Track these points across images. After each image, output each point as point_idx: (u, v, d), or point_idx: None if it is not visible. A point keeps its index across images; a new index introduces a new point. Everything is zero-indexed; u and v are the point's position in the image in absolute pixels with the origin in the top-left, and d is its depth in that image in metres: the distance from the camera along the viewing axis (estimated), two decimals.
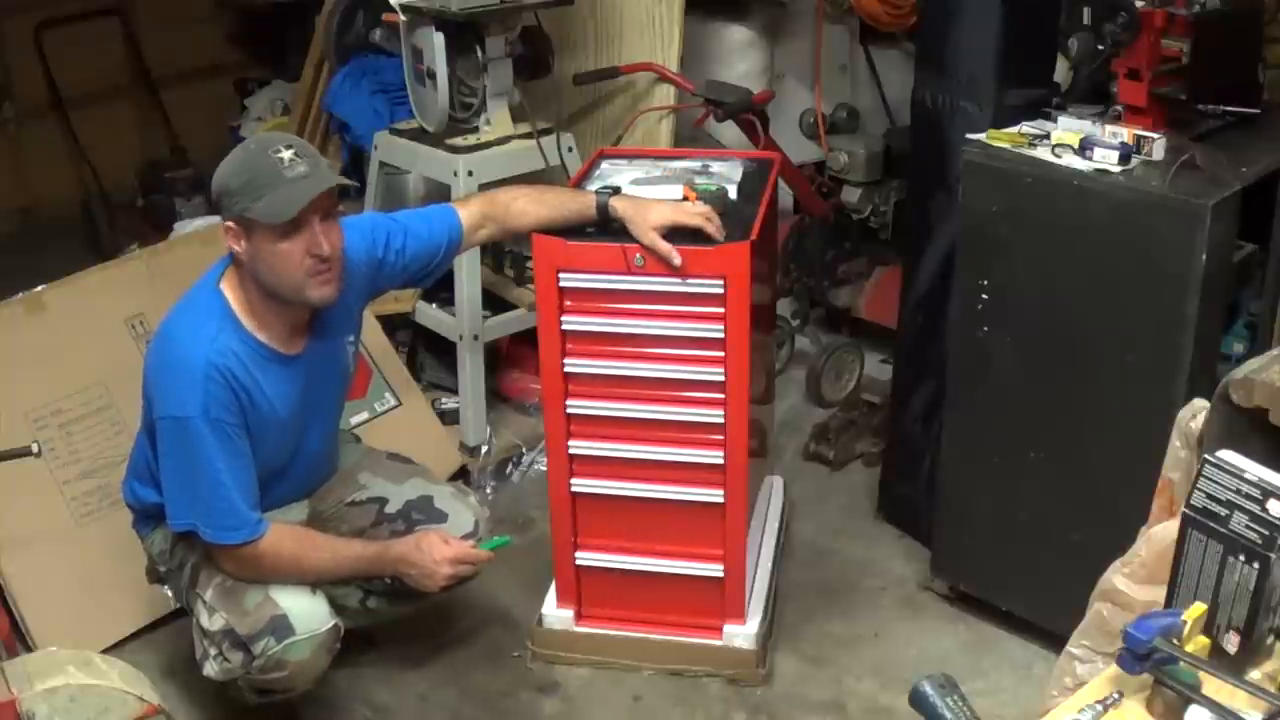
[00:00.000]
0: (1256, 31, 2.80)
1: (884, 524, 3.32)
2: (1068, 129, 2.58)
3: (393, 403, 3.47)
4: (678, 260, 2.48)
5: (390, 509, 2.66)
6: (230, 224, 2.31)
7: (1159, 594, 1.60)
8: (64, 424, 3.04)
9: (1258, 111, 2.70)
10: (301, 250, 2.27)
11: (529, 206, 2.61)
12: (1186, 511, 1.53)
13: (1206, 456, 1.52)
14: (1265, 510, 1.45)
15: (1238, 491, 1.48)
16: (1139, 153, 2.50)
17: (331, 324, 2.50)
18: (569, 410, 2.66)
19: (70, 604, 2.89)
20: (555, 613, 2.84)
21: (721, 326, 2.53)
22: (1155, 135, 2.51)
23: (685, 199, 2.62)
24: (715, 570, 2.72)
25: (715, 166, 2.90)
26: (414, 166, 3.64)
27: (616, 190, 2.63)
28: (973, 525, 2.87)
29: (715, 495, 2.66)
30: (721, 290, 2.50)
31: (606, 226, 2.56)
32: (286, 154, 2.26)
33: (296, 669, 2.38)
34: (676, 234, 2.50)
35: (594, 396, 2.65)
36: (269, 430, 2.41)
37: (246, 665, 2.37)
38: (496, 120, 3.41)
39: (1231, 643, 1.50)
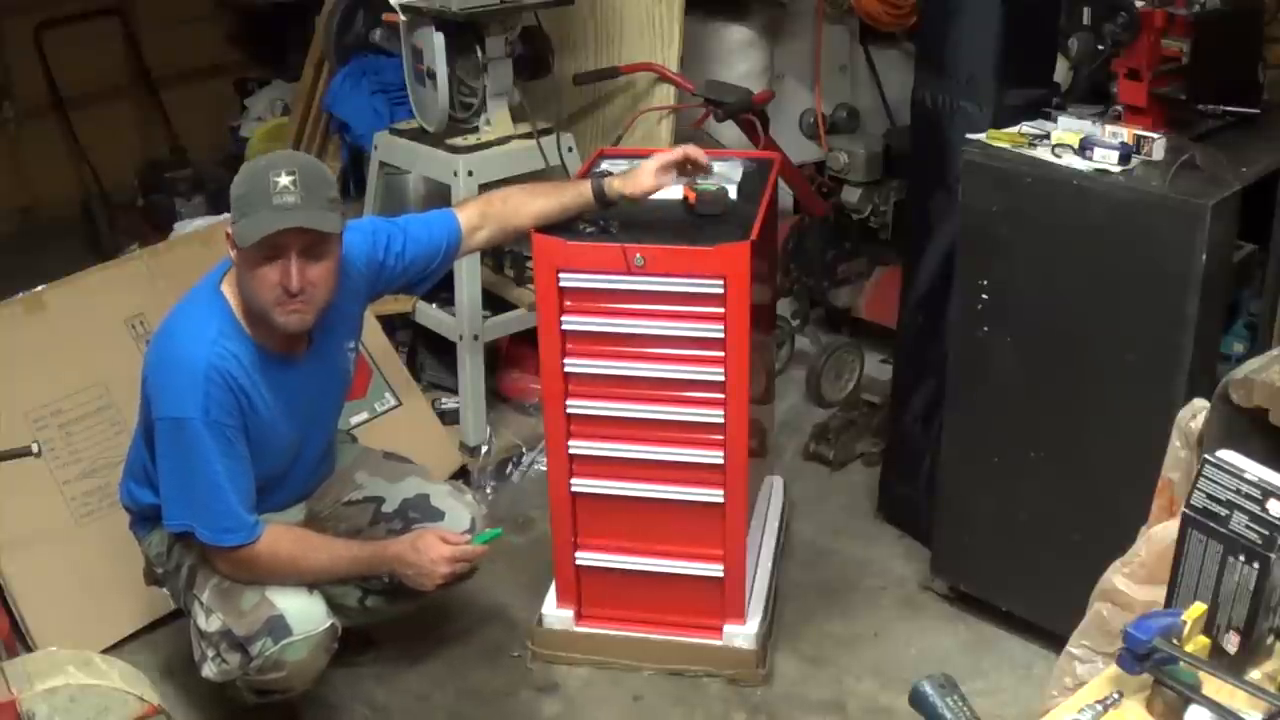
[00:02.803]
0: (1256, 31, 2.80)
1: (884, 524, 3.32)
2: (1068, 129, 2.58)
3: (393, 403, 3.47)
4: (701, 156, 2.64)
5: (387, 508, 2.65)
6: (227, 230, 2.31)
7: (1159, 594, 1.60)
8: (64, 424, 3.04)
9: (1258, 111, 2.70)
10: (275, 278, 2.25)
11: (526, 199, 2.62)
12: (1186, 511, 1.53)
13: (1206, 456, 1.52)
14: (1265, 510, 1.45)
15: (1238, 491, 1.48)
16: (1139, 153, 2.50)
17: (331, 329, 2.49)
18: (569, 410, 2.65)
19: (70, 604, 2.89)
20: (555, 613, 2.84)
21: (721, 326, 2.53)
22: (1155, 135, 2.51)
23: (685, 199, 2.63)
24: (715, 570, 2.72)
25: (715, 166, 2.89)
26: (414, 166, 3.64)
27: (606, 174, 2.64)
28: (973, 525, 2.87)
29: (715, 495, 2.66)
30: (721, 290, 2.50)
31: (606, 209, 2.58)
32: (284, 179, 2.21)
33: (294, 669, 2.38)
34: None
35: (594, 396, 2.65)
36: (268, 434, 2.41)
37: (244, 666, 2.37)
38: (496, 120, 3.41)
39: (1231, 643, 1.50)
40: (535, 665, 2.85)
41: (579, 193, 2.59)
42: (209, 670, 2.43)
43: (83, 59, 5.26)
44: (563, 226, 2.59)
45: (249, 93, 5.38)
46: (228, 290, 2.37)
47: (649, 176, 2.60)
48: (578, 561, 2.79)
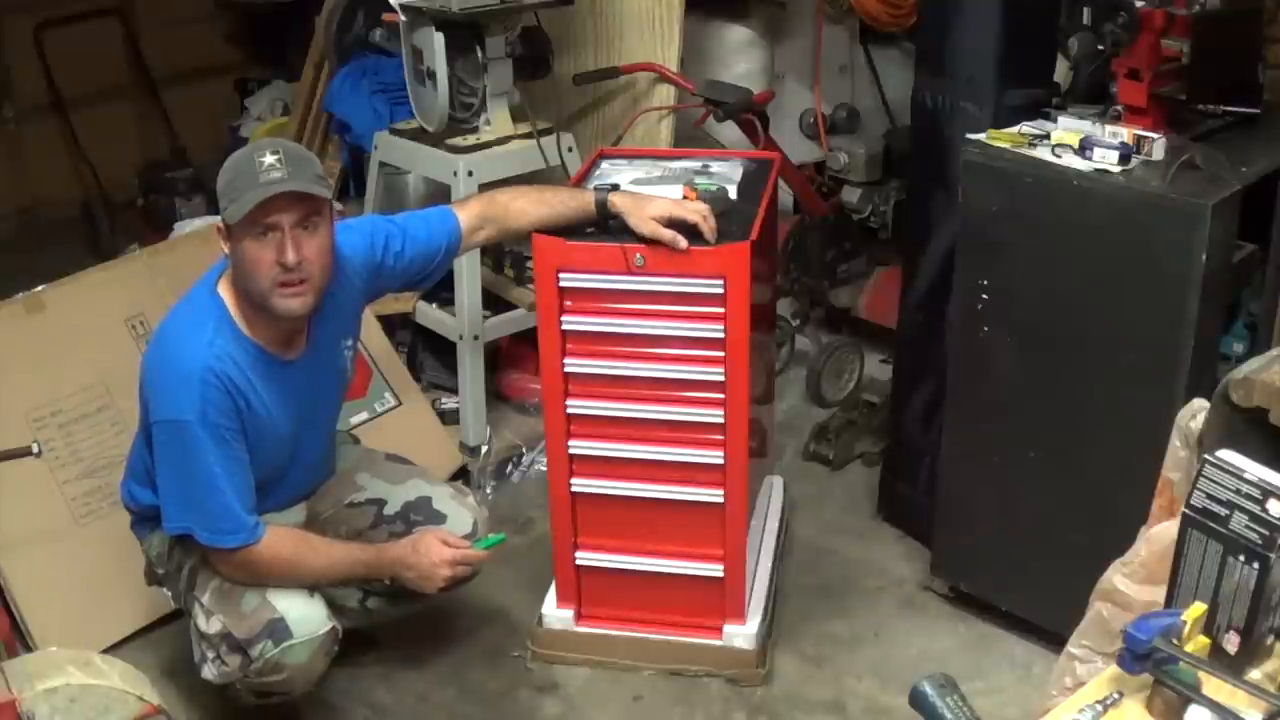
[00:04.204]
0: (1256, 31, 2.81)
1: (884, 524, 3.32)
2: (1068, 129, 2.58)
3: (393, 403, 3.47)
4: (684, 244, 2.46)
5: (389, 510, 2.65)
6: (219, 225, 2.31)
7: (1159, 594, 1.60)
8: (64, 424, 3.04)
9: (1258, 111, 2.70)
10: (271, 256, 2.25)
11: (528, 206, 2.61)
12: (1186, 511, 1.53)
13: (1206, 456, 1.52)
14: (1265, 510, 1.45)
15: (1238, 491, 1.48)
16: (1139, 153, 2.50)
17: (329, 328, 2.49)
18: (569, 410, 2.65)
19: (70, 604, 2.89)
20: (555, 613, 2.84)
21: (721, 326, 2.52)
22: (1155, 135, 2.51)
23: (685, 199, 2.62)
24: (715, 570, 2.72)
25: (715, 166, 2.90)
26: (414, 166, 3.64)
27: (615, 187, 2.63)
28: (973, 525, 2.87)
29: (715, 495, 2.66)
30: (721, 290, 2.50)
31: (605, 224, 2.56)
32: (269, 158, 2.23)
33: (294, 672, 2.38)
34: (677, 229, 2.50)
35: (594, 396, 2.64)
36: (266, 434, 2.41)
37: (244, 668, 2.37)
38: (496, 120, 3.41)
39: (1231, 643, 1.50)
40: (535, 665, 2.85)
41: (582, 205, 2.57)
42: (209, 672, 2.43)
43: (83, 59, 5.25)
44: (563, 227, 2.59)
45: (249, 93, 5.39)
46: (224, 291, 2.37)
47: (653, 224, 2.48)
48: (578, 561, 2.78)
